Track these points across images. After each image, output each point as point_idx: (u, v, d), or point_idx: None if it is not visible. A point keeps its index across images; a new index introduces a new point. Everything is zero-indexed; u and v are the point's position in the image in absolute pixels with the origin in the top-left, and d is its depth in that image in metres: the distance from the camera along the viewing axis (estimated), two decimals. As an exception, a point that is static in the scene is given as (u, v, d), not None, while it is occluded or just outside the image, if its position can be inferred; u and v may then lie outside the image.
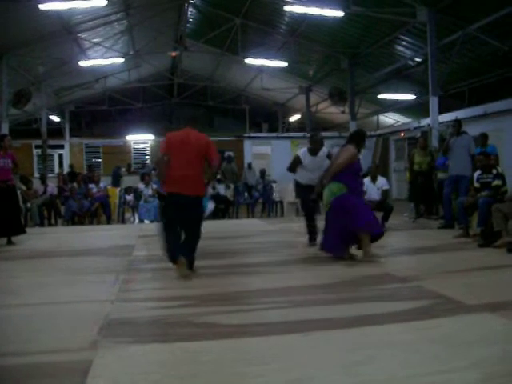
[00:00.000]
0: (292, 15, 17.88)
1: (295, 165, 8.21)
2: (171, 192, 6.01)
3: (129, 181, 19.11)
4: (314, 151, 8.04)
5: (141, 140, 27.80)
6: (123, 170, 22.82)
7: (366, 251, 6.61)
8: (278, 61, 20.43)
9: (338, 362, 3.20)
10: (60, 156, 26.58)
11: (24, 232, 9.59)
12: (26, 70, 19.41)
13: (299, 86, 25.35)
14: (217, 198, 14.32)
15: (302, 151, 8.23)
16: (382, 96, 22.40)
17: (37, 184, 14.54)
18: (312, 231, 8.18)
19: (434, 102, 14.93)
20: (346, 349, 3.42)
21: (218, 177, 14.32)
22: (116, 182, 19.68)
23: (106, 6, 15.31)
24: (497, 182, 8.29)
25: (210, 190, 13.66)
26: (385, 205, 10.14)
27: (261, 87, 24.76)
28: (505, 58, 15.47)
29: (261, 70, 23.18)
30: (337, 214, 6.64)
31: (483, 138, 11.08)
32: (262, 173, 17.20)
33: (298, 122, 29.08)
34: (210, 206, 7.24)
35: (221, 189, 14.57)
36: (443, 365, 3.08)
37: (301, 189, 8.27)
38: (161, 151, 6.17)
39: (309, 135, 8.62)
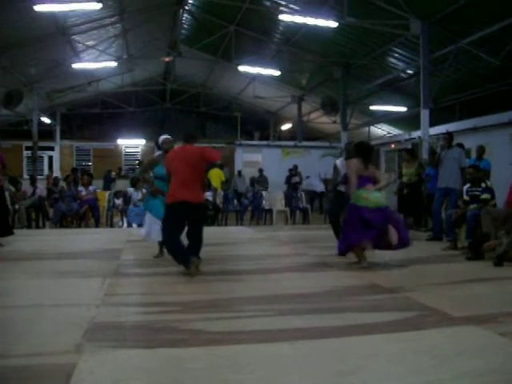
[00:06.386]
0: (286, 24, 17.93)
1: (337, 173, 8.58)
2: (174, 201, 6.45)
3: (119, 185, 19.07)
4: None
5: (132, 144, 27.77)
6: (113, 173, 22.77)
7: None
8: (271, 69, 20.46)
9: (322, 371, 3.19)
10: (50, 158, 26.48)
11: (11, 233, 9.51)
12: (18, 71, 19.33)
13: (291, 95, 25.42)
14: (206, 204, 14.29)
15: (339, 160, 8.70)
16: (373, 107, 22.52)
17: (26, 185, 14.44)
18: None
19: (425, 115, 15.00)
20: (331, 358, 3.42)
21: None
22: (107, 185, 19.63)
23: (101, 9, 15.27)
24: (486, 196, 8.34)
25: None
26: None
27: (253, 95, 24.80)
28: (496, 73, 15.60)
29: (254, 77, 23.23)
30: (372, 220, 6.77)
31: (479, 151, 11.12)
32: (252, 180, 17.22)
33: (289, 130, 29.15)
34: None
35: (209, 195, 14.53)
36: (427, 376, 3.09)
37: (341, 196, 8.37)
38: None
39: (345, 144, 9.20)
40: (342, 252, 7.17)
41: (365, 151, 7.30)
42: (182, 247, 6.45)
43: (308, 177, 19.98)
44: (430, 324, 4.18)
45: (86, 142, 27.40)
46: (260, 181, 19.44)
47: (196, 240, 6.56)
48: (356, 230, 6.87)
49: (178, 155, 6.66)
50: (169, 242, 6.58)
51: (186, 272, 6.27)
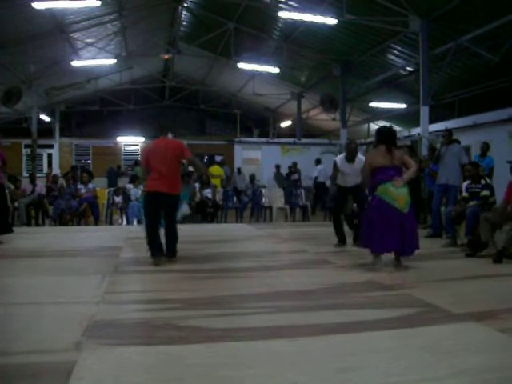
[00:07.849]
0: (286, 21, 17.95)
1: (336, 170, 8.64)
2: (151, 190, 6.89)
3: (119, 182, 19.05)
4: (350, 159, 8.53)
5: (131, 142, 27.75)
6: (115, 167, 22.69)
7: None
8: (270, 66, 20.46)
9: (322, 368, 3.19)
10: (49, 156, 26.46)
11: (11, 231, 9.50)
12: (17, 68, 19.31)
13: (291, 92, 25.44)
14: (205, 201, 14.32)
15: (339, 157, 8.75)
16: (373, 104, 22.53)
17: (25, 183, 14.43)
18: (340, 232, 8.74)
19: (424, 112, 15.01)
20: (332, 355, 3.41)
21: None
22: (113, 181, 19.50)
23: (100, 6, 15.30)
24: (485, 193, 8.34)
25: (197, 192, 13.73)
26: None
27: (252, 92, 24.82)
28: (495, 70, 15.59)
29: (253, 75, 23.23)
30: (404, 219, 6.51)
31: (484, 148, 11.07)
32: (252, 178, 17.22)
33: (288, 127, 29.15)
34: (184, 208, 7.70)
35: (208, 193, 14.54)
36: (426, 373, 3.09)
37: (342, 191, 8.68)
38: (142, 162, 7.38)
39: (345, 143, 9.37)
40: (379, 252, 6.67)
41: (387, 136, 6.75)
42: (157, 239, 6.97)
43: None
44: (430, 321, 4.17)
45: (85, 140, 27.37)
46: (277, 177, 19.38)
47: (172, 235, 7.05)
48: (383, 233, 6.40)
49: (158, 146, 6.97)
50: (148, 230, 6.99)
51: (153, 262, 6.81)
